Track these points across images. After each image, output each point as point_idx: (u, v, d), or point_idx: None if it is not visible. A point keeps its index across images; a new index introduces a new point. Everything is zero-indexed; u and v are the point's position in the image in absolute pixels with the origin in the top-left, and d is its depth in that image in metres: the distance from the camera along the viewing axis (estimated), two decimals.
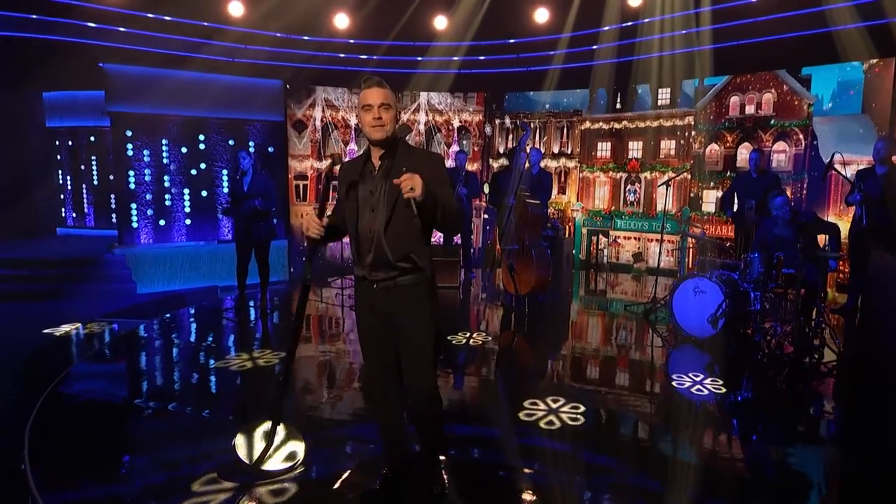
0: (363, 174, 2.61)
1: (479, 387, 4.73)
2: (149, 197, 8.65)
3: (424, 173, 2.39)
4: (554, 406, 4.07)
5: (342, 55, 8.93)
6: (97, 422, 3.90)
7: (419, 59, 9.22)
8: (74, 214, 12.43)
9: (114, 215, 11.33)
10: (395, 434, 2.84)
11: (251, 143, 9.03)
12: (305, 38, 8.75)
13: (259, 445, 3.04)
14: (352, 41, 8.87)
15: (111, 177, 11.18)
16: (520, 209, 6.60)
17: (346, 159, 2.84)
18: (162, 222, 8.74)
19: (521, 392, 4.44)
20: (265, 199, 6.54)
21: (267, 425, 3.07)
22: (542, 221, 6.95)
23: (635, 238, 10.01)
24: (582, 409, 4.04)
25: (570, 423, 3.83)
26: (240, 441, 3.06)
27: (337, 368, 5.16)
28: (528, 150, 7.00)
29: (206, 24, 8.24)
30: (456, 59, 9.06)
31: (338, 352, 5.63)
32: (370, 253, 2.57)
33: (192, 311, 7.22)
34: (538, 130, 10.45)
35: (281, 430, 3.09)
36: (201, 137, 8.87)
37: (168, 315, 6.95)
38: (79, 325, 6.29)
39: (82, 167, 12.16)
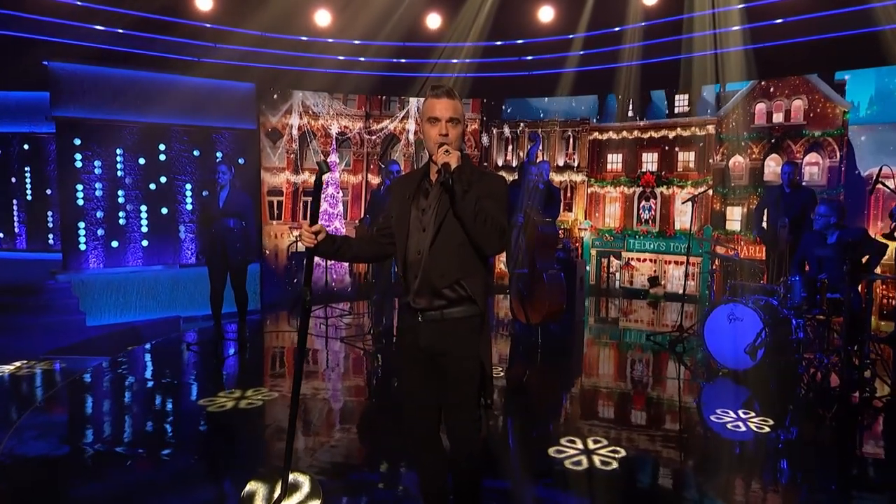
0: (418, 191, 2.66)
1: (503, 429, 4.77)
2: (99, 215, 8.55)
3: (483, 190, 2.48)
4: (592, 446, 4.14)
5: (323, 56, 9.01)
6: (70, 474, 3.85)
7: (410, 61, 9.35)
8: (2, 235, 12.18)
9: (51, 236, 11.14)
10: (434, 484, 2.85)
11: (218, 154, 9.02)
12: (282, 36, 8.82)
13: (271, 498, 3.03)
14: (334, 41, 8.96)
15: (48, 191, 11.01)
16: (530, 229, 6.71)
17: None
18: (115, 244, 8.63)
19: (546, 433, 4.50)
20: (240, 218, 6.60)
21: (277, 476, 3.07)
22: (555, 242, 7.07)
23: (651, 260, 10.20)
24: (622, 453, 4.11)
25: (602, 466, 3.89)
26: (250, 494, 3.05)
27: (338, 407, 5.17)
28: (537, 163, 7.15)
29: (168, 18, 8.25)
30: (452, 61, 9.21)
31: (334, 389, 5.64)
32: (417, 278, 2.60)
33: (157, 347, 7.16)
34: (542, 141, 10.63)
35: (294, 480, 3.09)
36: (162, 147, 8.82)
37: (129, 350, 6.88)
38: (22, 363, 6.18)
39: (13, 180, 11.93)
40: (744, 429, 4.59)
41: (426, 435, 2.78)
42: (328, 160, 9.94)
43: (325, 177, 2.72)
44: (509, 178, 8.87)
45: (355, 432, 4.69)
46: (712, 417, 4.89)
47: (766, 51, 7.77)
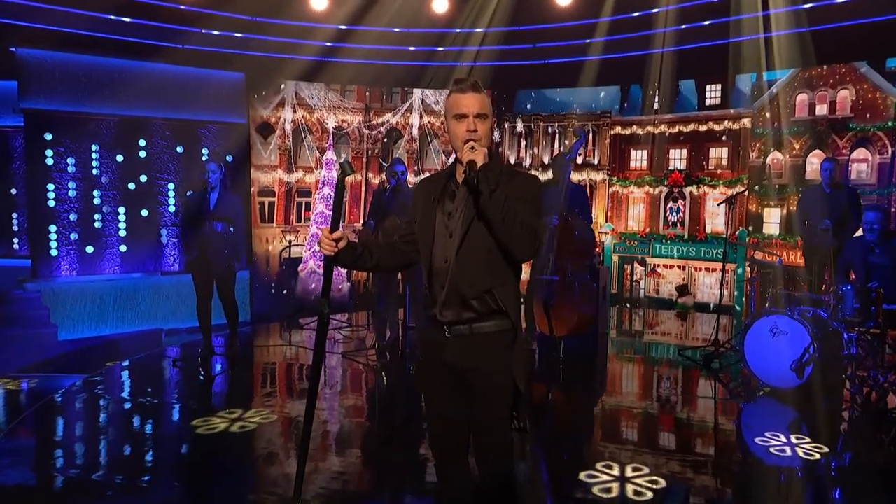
0: (443, 193, 2.66)
1: (528, 451, 4.71)
2: (73, 217, 8.50)
3: (513, 191, 2.47)
4: (631, 474, 4.08)
5: (319, 43, 8.97)
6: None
7: (415, 49, 9.32)
8: None
9: (16, 240, 11.07)
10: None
11: (204, 150, 8.98)
12: (274, 21, 8.79)
13: None
14: (331, 26, 8.93)
15: (14, 191, 10.97)
16: (565, 232, 6.66)
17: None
18: (90, 249, 8.59)
19: (576, 457, 4.47)
20: (230, 223, 6.60)
21: None
22: (592, 248, 7.04)
23: (679, 267, 10.15)
24: (662, 483, 4.05)
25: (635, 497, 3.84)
26: None
27: (343, 430, 5.15)
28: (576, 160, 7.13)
29: (150, 1, 8.23)
30: (461, 49, 9.17)
31: (337, 410, 5.62)
32: (444, 288, 2.59)
33: (137, 363, 7.10)
34: (558, 136, 10.61)
35: None
36: (142, 143, 8.78)
37: (107, 367, 6.81)
38: None
39: None
40: (792, 454, 4.52)
41: (451, 451, 2.73)
42: (325, 158, 9.91)
43: (347, 178, 2.67)
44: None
45: (363, 457, 4.65)
46: (758, 440, 4.81)
47: (815, 35, 7.68)
